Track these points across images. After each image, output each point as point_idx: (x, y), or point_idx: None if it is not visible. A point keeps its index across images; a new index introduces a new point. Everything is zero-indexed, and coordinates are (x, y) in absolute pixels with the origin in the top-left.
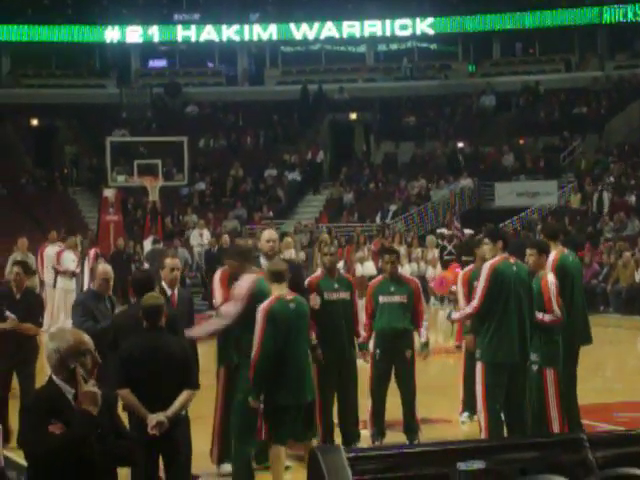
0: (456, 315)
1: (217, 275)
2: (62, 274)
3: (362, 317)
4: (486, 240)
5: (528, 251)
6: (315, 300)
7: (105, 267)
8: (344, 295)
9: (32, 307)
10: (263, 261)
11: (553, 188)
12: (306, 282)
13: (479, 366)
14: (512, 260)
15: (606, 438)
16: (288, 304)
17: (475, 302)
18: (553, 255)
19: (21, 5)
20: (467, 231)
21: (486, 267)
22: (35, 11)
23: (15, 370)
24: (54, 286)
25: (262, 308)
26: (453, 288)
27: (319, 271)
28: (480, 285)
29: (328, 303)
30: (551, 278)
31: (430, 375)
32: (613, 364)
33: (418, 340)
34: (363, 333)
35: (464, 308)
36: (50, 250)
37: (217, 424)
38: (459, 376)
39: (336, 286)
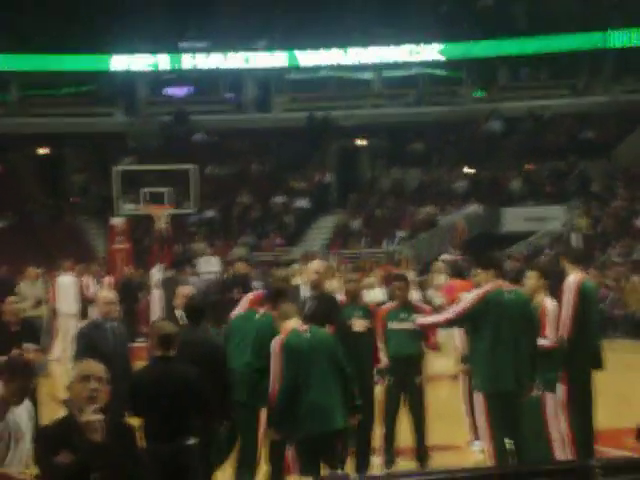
0: (421, 320)
1: (246, 297)
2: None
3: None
4: (478, 270)
5: (528, 274)
6: (358, 323)
7: (105, 292)
8: (367, 323)
9: (33, 336)
10: (306, 291)
11: (560, 213)
12: None
13: (477, 396)
14: (508, 287)
15: (618, 464)
16: (303, 334)
17: (449, 315)
18: (577, 278)
19: (29, 34)
20: (446, 256)
21: (476, 293)
22: (43, 40)
23: None
24: (84, 316)
25: (278, 341)
26: (462, 296)
27: (340, 298)
28: (462, 304)
29: (355, 332)
30: (550, 304)
31: (440, 402)
32: (623, 389)
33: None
34: (384, 359)
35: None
36: (64, 279)
37: None
38: (460, 403)
39: (360, 314)
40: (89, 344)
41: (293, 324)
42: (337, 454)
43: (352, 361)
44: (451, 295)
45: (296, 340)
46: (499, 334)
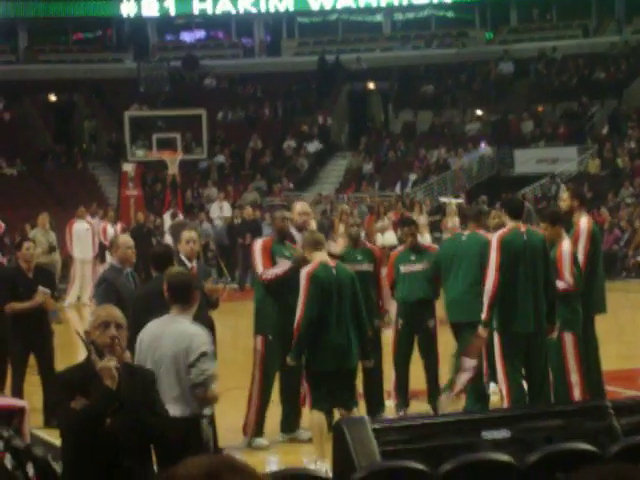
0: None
1: (258, 244)
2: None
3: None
4: (494, 212)
5: (541, 225)
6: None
7: (125, 237)
8: (367, 267)
9: (47, 283)
10: (295, 233)
11: (572, 154)
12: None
13: (496, 336)
14: (523, 228)
15: (631, 405)
16: (331, 269)
17: (492, 279)
18: (586, 221)
19: None
20: (445, 199)
21: (494, 240)
22: None
23: (34, 353)
24: (103, 260)
25: (306, 272)
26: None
27: (342, 242)
28: (492, 260)
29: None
30: (566, 246)
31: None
32: (635, 330)
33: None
34: (390, 307)
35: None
36: (79, 225)
37: (254, 397)
38: None
39: (359, 258)
40: (110, 289)
41: (322, 257)
42: (350, 393)
43: None
44: None
45: (324, 274)
46: (517, 275)
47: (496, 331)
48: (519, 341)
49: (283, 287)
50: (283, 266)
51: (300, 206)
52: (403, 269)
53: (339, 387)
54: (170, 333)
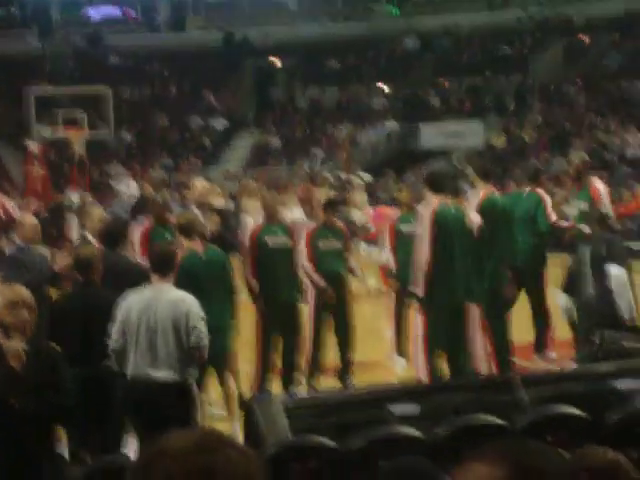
0: (416, 280)
1: (135, 235)
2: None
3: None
4: (404, 187)
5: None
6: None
7: (29, 216)
8: (285, 241)
9: None
10: (196, 211)
11: (478, 129)
12: (250, 231)
13: (422, 310)
14: (449, 202)
15: (538, 377)
16: (199, 255)
17: (425, 254)
18: (481, 195)
19: None
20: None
21: (427, 215)
22: None
23: None
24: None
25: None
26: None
27: (261, 218)
28: (425, 234)
29: (273, 250)
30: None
31: (363, 319)
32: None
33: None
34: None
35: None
36: None
37: None
38: (390, 320)
39: (278, 232)
40: (20, 267)
41: (192, 244)
42: (222, 374)
43: (274, 279)
44: (380, 223)
45: (190, 261)
46: (447, 248)
47: (426, 305)
48: (445, 312)
49: None
50: None
51: (201, 185)
52: (321, 245)
53: (218, 369)
54: (167, 299)
